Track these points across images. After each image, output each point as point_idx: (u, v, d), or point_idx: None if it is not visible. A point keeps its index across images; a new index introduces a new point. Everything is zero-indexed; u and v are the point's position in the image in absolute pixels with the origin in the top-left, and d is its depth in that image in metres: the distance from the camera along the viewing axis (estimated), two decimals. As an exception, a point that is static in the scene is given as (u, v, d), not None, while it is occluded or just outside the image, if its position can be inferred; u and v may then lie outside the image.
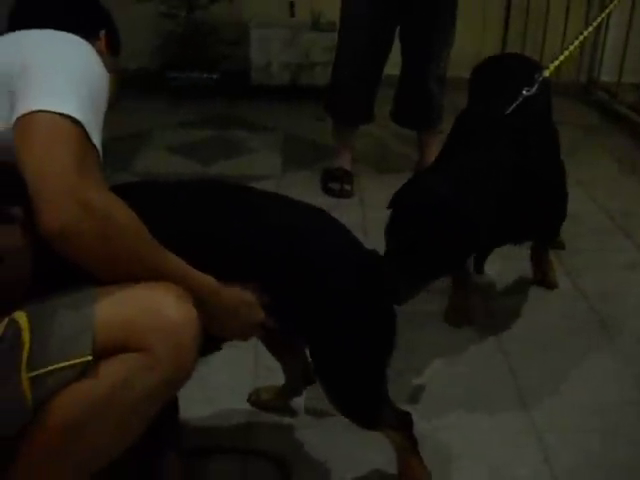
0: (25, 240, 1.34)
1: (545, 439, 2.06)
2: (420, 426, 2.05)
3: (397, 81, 3.66)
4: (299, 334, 1.72)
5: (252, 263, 1.56)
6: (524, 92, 2.30)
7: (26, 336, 1.30)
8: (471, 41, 4.88)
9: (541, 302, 2.68)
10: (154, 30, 4.89)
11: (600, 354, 2.45)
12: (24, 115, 1.31)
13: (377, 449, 1.93)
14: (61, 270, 1.33)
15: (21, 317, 1.32)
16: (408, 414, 1.84)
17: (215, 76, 4.84)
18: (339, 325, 1.62)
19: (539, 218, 2.39)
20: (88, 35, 1.57)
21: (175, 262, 1.43)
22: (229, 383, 2.20)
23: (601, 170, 3.94)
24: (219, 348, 1.73)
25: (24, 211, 1.32)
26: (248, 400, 2.14)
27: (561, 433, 2.09)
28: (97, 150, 1.36)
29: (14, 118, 1.32)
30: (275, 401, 2.12)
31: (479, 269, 2.27)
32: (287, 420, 2.09)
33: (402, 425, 1.82)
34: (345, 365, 1.67)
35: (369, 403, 1.76)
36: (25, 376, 1.29)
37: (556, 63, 2.40)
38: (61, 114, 1.31)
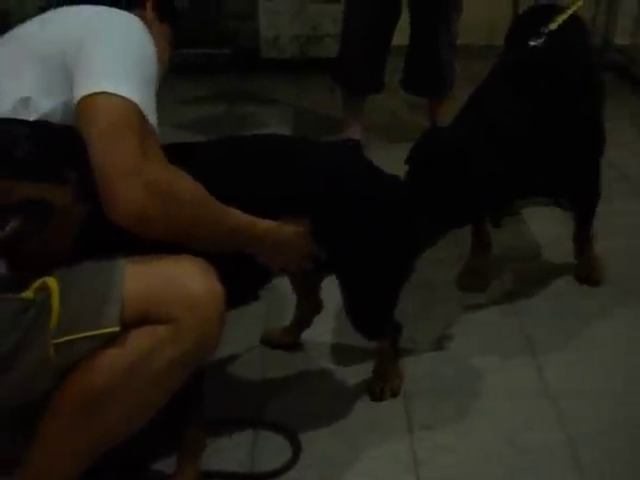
0: (73, 202, 1.39)
1: (559, 403, 2.03)
2: (432, 392, 2.05)
3: (406, 49, 3.61)
4: (333, 258, 1.83)
5: (299, 201, 1.71)
6: (531, 44, 2.26)
7: (55, 303, 1.33)
8: (483, 7, 4.82)
9: (554, 266, 2.66)
10: (163, 7, 4.86)
11: (613, 317, 2.42)
12: (85, 97, 1.35)
13: (389, 413, 1.94)
14: (98, 237, 1.40)
15: (52, 283, 1.35)
16: (400, 324, 2.03)
17: (225, 51, 4.81)
18: (370, 244, 1.80)
19: (564, 167, 2.27)
20: (134, 5, 1.59)
21: (239, 216, 1.52)
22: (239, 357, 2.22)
23: (617, 133, 3.83)
24: (256, 298, 1.90)
25: (78, 175, 1.37)
26: (261, 341, 2.25)
27: (575, 397, 2.06)
28: (154, 129, 1.40)
29: (76, 96, 1.35)
30: (287, 338, 2.23)
31: (496, 223, 2.26)
32: (297, 389, 2.09)
33: (395, 335, 2.04)
34: (372, 279, 1.86)
35: (383, 319, 1.98)
36: (51, 342, 1.32)
37: (564, 16, 2.35)
38: (121, 97, 1.34)
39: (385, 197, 1.84)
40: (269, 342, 2.24)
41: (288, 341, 2.23)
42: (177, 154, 1.49)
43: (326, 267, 1.91)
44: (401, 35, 3.56)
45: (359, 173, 1.85)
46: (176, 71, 4.60)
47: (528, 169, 2.12)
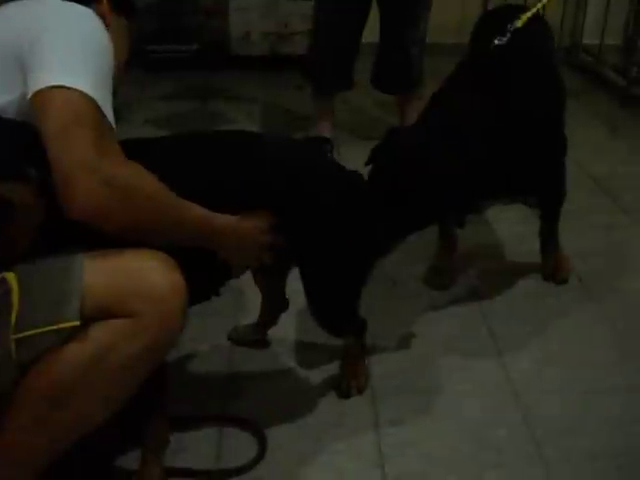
0: (34, 200, 1.37)
1: (524, 400, 2.05)
2: (398, 388, 2.06)
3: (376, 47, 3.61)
4: (294, 253, 1.84)
5: (260, 195, 1.70)
6: (496, 42, 2.27)
7: (15, 298, 1.32)
8: (453, 6, 4.84)
9: (520, 264, 2.68)
10: (131, 2, 4.82)
11: (579, 315, 2.44)
12: (41, 90, 1.34)
13: (355, 410, 1.94)
14: (58, 232, 1.38)
15: (11, 278, 1.34)
16: (364, 321, 2.03)
17: (193, 47, 4.78)
18: (330, 239, 1.80)
19: (528, 169, 2.28)
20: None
21: (198, 210, 1.51)
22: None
23: (585, 132, 3.90)
24: (217, 294, 1.83)
25: (37, 171, 1.36)
26: (229, 338, 2.24)
27: (540, 394, 2.08)
28: (111, 124, 1.39)
29: (31, 89, 1.34)
30: (254, 335, 2.24)
31: (460, 223, 2.26)
32: (264, 385, 2.09)
33: (359, 331, 2.03)
34: (332, 274, 1.85)
35: (345, 315, 1.98)
36: (11, 337, 1.31)
37: (528, 14, 2.36)
38: (78, 91, 1.34)
39: (346, 194, 1.83)
40: (236, 339, 2.24)
41: (255, 338, 2.23)
42: (136, 149, 1.48)
43: (288, 262, 1.91)
44: (373, 33, 3.56)
45: (321, 169, 1.85)
46: (144, 67, 4.63)
47: (491, 170, 2.12)
